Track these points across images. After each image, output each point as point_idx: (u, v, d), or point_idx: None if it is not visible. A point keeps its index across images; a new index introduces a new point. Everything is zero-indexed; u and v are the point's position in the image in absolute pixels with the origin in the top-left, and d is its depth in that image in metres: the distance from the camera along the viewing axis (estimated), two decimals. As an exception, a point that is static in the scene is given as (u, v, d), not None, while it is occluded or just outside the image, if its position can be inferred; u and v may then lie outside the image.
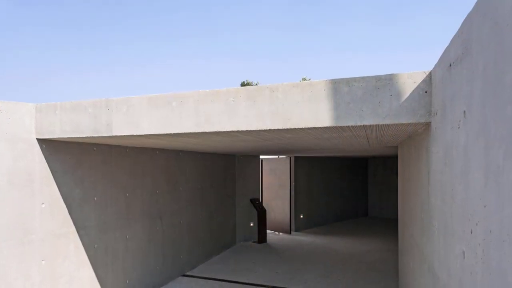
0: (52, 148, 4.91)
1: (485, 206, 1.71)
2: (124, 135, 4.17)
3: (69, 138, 4.54)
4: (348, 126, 3.31)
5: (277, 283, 7.69)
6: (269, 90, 3.49)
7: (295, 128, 3.45)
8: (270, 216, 13.60)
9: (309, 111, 3.33)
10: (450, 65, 2.28)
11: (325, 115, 3.27)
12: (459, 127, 2.12)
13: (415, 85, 2.98)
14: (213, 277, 8.09)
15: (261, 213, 11.75)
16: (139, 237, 6.67)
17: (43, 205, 4.79)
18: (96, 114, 4.22)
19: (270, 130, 3.59)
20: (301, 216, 13.70)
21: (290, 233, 12.98)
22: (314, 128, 3.44)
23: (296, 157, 13.44)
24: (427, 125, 3.16)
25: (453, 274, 2.29)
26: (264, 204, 13.67)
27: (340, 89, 3.22)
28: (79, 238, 5.35)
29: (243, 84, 33.90)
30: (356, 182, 16.94)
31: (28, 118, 4.57)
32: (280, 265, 9.06)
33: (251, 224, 11.84)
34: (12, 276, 4.44)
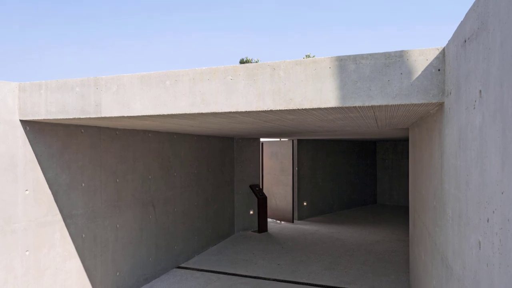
0: (37, 130, 4.94)
1: (502, 193, 1.71)
2: (114, 116, 4.19)
3: (55, 119, 4.57)
4: (355, 107, 3.33)
5: (279, 275, 7.80)
6: (270, 68, 3.50)
7: (298, 109, 3.47)
8: (271, 203, 13.70)
9: (313, 91, 3.35)
10: (465, 41, 2.29)
11: (331, 94, 3.30)
12: (474, 108, 2.13)
13: (427, 63, 3.00)
14: (210, 269, 8.20)
15: (262, 200, 11.84)
16: (130, 226, 6.75)
17: (27, 192, 4.84)
18: (84, 94, 4.24)
19: (271, 111, 3.61)
20: (305, 204, 13.80)
21: (292, 222, 13.10)
22: (319, 108, 3.46)
23: (299, 140, 13.47)
24: (440, 105, 3.18)
25: (468, 266, 2.30)
26: (264, 191, 13.76)
27: (346, 66, 3.24)
28: (66, 227, 5.41)
29: (242, 62, 33.70)
30: (364, 167, 17.01)
31: (10, 98, 4.58)
32: (282, 256, 9.17)
33: (251, 212, 11.93)
34: (-4, 267, 4.51)
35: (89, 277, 5.80)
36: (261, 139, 14.01)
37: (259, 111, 3.64)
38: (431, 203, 3.88)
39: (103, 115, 4.17)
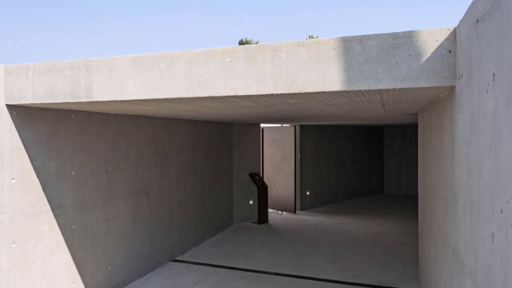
0: (24, 116, 4.95)
1: (517, 182, 1.72)
2: (106, 101, 4.20)
3: (43, 104, 4.57)
4: (361, 91, 3.34)
5: (280, 269, 7.87)
6: (271, 49, 3.50)
7: (301, 93, 3.48)
8: (272, 193, 13.77)
9: (317, 73, 3.36)
10: (477, 20, 2.29)
11: (335, 77, 3.30)
12: (487, 92, 2.13)
13: (437, 44, 3.00)
14: (207, 262, 8.27)
15: (262, 190, 11.89)
16: (123, 216, 6.80)
17: (13, 181, 4.86)
18: (74, 77, 4.25)
19: (272, 94, 3.62)
20: (308, 193, 13.86)
21: (295, 212, 13.17)
22: (322, 92, 3.47)
23: (302, 126, 13.48)
24: (451, 89, 3.19)
25: (480, 259, 2.31)
26: (265, 179, 13.81)
27: (352, 48, 3.24)
28: (54, 218, 5.44)
29: (241, 43, 33.59)
30: (371, 154, 17.06)
31: (-6, 81, 4.59)
32: (284, 249, 9.24)
33: (251, 202, 11.99)
34: (-18, 259, 4.55)
35: (79, 271, 5.85)
36: (262, 125, 14.02)
37: (259, 95, 3.65)
38: (441, 193, 3.90)
39: (94, 99, 4.18)
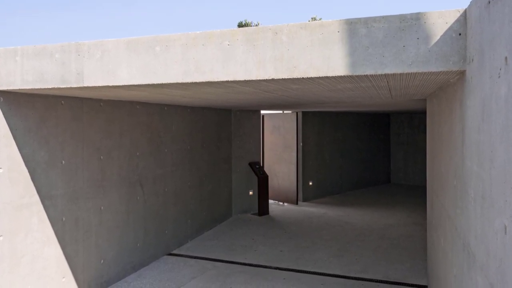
0: (12, 102, 4.97)
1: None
2: (98, 86, 4.22)
3: (32, 89, 4.59)
4: (366, 75, 3.37)
5: (281, 263, 7.93)
6: (272, 32, 3.52)
7: (303, 78, 3.51)
8: (273, 183, 13.82)
9: (320, 57, 3.38)
10: (489, 2, 2.30)
11: (339, 62, 3.32)
12: (499, 76, 2.14)
13: (446, 26, 3.01)
14: (205, 256, 8.33)
15: (262, 180, 11.94)
16: (116, 208, 6.84)
17: (1, 170, 4.88)
18: (65, 61, 4.26)
19: (273, 79, 3.64)
20: (310, 183, 13.92)
21: (296, 204, 13.24)
22: (326, 77, 3.49)
23: (304, 112, 13.50)
24: (461, 74, 3.21)
25: (492, 253, 2.31)
26: (265, 169, 13.85)
27: (357, 31, 3.25)
28: (44, 209, 5.46)
29: (240, 25, 33.55)
30: (377, 143, 17.09)
31: (-20, 66, 4.60)
32: (285, 242, 9.31)
33: (250, 193, 12.04)
34: (-30, 253, 4.60)
35: (70, 265, 5.89)
36: (262, 112, 14.02)
37: (259, 80, 3.67)
38: (451, 183, 3.92)
39: (85, 85, 4.20)
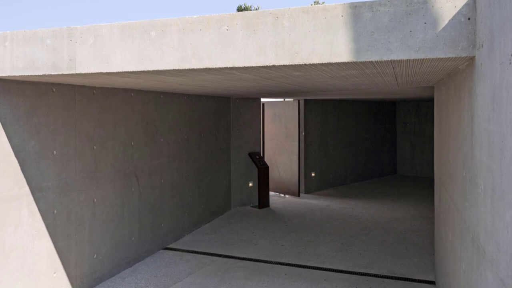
0: (1, 90, 4.96)
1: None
2: (91, 73, 4.23)
3: (22, 76, 4.60)
4: (371, 62, 3.38)
5: (282, 258, 7.96)
6: (273, 16, 3.52)
7: (305, 64, 3.52)
8: (274, 174, 13.84)
9: (323, 43, 3.38)
10: (500, -15, 2.31)
11: (343, 47, 3.33)
12: (510, 63, 2.14)
13: (455, 10, 3.02)
14: (203, 250, 8.37)
15: (263, 171, 11.95)
16: (110, 200, 6.86)
17: (-8, 161, 4.91)
18: (56, 47, 4.26)
19: (273, 66, 3.65)
20: (313, 175, 13.95)
21: (298, 196, 13.27)
22: (329, 63, 3.50)
23: (306, 101, 13.49)
24: (470, 60, 3.22)
25: (502, 248, 2.32)
26: (266, 159, 13.86)
27: (361, 15, 3.26)
28: (35, 201, 5.47)
29: (240, 9, 33.41)
30: (382, 132, 17.10)
31: (-33, 52, 4.60)
32: (286, 235, 9.35)
33: (250, 184, 12.07)
34: (-42, 246, 4.62)
35: (62, 260, 5.90)
36: (262, 99, 14.01)
37: (259, 66, 3.68)
38: (459, 174, 3.93)
39: (78, 71, 4.21)
